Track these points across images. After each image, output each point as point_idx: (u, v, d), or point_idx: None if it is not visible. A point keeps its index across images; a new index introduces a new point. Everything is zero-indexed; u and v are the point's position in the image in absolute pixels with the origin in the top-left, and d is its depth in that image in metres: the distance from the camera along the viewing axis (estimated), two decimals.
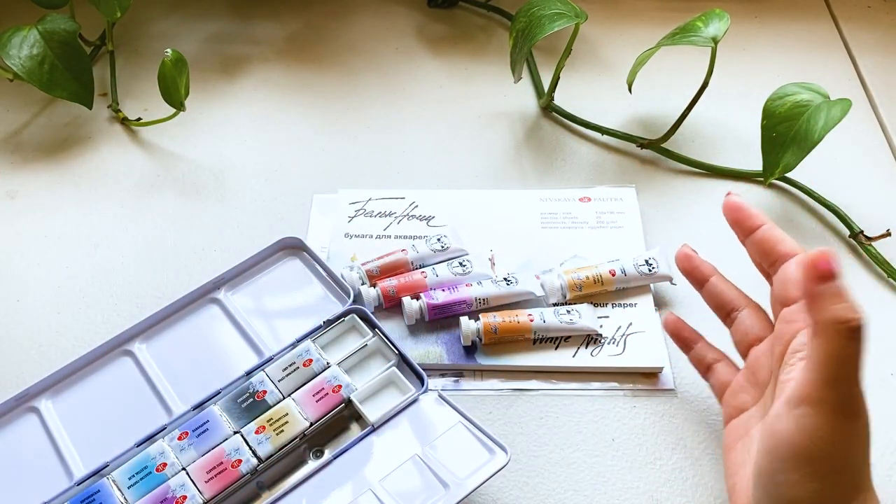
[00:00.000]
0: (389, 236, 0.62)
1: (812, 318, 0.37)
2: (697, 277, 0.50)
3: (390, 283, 0.57)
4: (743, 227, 0.46)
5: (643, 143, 0.68)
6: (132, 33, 0.83)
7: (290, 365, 0.52)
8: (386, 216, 0.64)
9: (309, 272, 0.58)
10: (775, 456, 0.38)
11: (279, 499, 0.46)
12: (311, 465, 0.49)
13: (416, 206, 0.64)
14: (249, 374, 0.52)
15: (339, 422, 0.51)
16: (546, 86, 0.74)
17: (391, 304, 0.57)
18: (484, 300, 0.56)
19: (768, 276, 0.46)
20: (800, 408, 0.37)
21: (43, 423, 0.51)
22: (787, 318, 0.42)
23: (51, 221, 0.66)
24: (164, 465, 0.48)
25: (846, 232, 0.62)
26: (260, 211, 0.66)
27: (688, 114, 0.65)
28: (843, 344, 0.36)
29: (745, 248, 0.47)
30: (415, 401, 0.50)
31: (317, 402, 0.50)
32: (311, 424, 0.49)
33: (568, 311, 0.55)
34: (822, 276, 0.36)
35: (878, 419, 0.52)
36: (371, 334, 0.53)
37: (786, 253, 0.43)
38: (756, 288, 0.48)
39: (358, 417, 0.50)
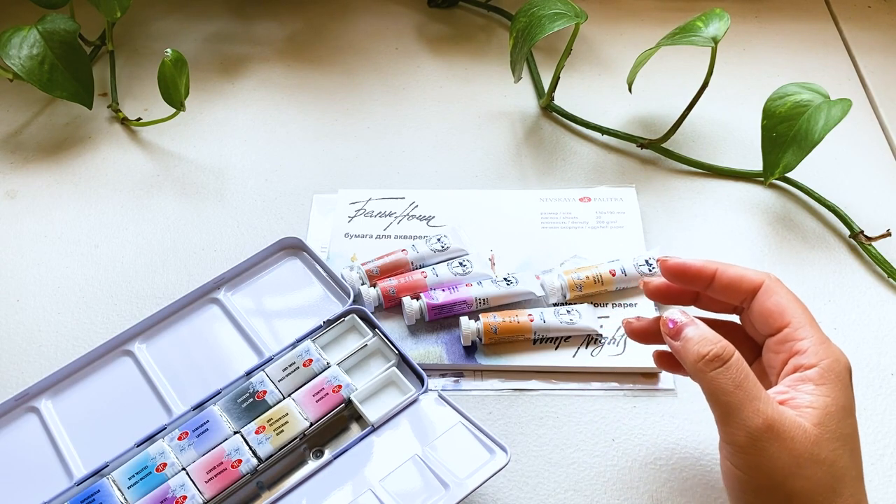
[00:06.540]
0: (389, 236, 0.62)
1: (686, 369, 0.41)
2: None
3: (390, 283, 0.57)
4: (699, 283, 0.45)
5: (643, 143, 0.68)
6: (132, 33, 0.83)
7: (290, 365, 0.52)
8: (386, 216, 0.64)
9: (309, 272, 0.58)
10: (730, 491, 0.41)
11: (279, 499, 0.46)
12: (311, 465, 0.49)
13: (416, 206, 0.64)
14: (249, 374, 0.52)
15: (339, 422, 0.51)
16: (546, 86, 0.74)
17: (391, 304, 0.57)
18: (484, 300, 0.56)
19: (734, 311, 0.46)
20: (724, 448, 0.40)
21: (43, 423, 0.51)
22: (772, 347, 0.43)
23: (51, 221, 0.66)
24: (164, 465, 0.48)
25: (846, 232, 0.62)
26: (260, 211, 0.66)
27: (688, 114, 0.65)
28: (711, 378, 0.39)
29: (703, 298, 0.46)
30: (415, 401, 0.50)
31: (317, 402, 0.50)
32: (311, 424, 0.49)
33: (568, 311, 0.55)
34: (672, 334, 0.42)
35: (879, 419, 0.52)
36: (371, 334, 0.53)
37: (752, 288, 0.43)
38: None
39: (358, 417, 0.50)
